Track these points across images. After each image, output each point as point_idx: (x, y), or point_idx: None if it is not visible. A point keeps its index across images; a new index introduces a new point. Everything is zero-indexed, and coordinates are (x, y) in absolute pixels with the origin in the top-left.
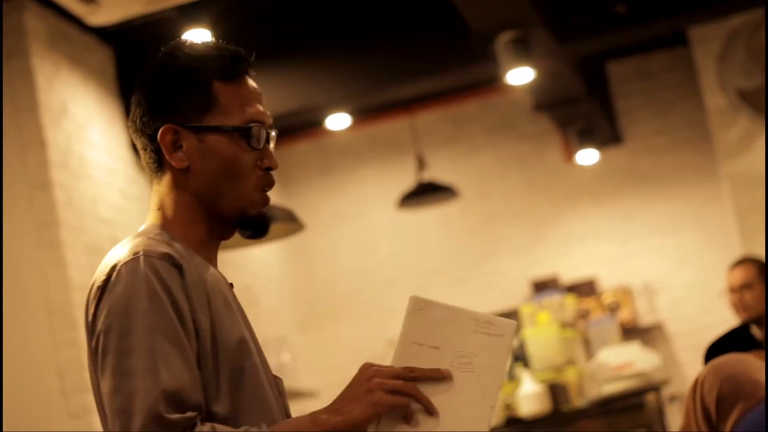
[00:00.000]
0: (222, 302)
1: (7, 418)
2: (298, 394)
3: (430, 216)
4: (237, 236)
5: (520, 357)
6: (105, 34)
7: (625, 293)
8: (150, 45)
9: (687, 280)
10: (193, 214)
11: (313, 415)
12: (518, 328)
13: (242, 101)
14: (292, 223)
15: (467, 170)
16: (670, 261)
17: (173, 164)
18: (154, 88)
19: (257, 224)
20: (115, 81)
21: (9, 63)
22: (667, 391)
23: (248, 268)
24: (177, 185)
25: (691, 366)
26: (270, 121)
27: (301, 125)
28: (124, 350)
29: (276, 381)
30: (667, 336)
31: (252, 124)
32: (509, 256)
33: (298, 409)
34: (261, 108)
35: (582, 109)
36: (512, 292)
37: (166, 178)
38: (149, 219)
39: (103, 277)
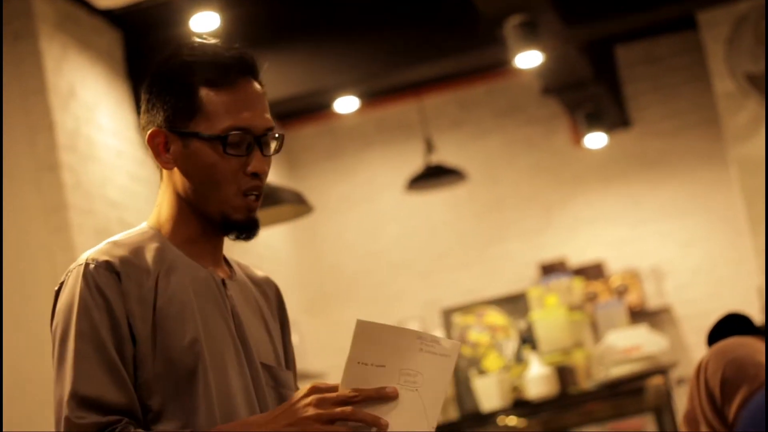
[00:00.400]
0: (179, 306)
1: (11, 401)
2: (307, 376)
3: (437, 199)
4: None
5: (528, 340)
6: (113, 17)
7: (633, 277)
8: (158, 28)
9: (694, 263)
10: (182, 213)
11: (243, 424)
12: (460, 348)
13: (228, 109)
14: (301, 205)
15: (475, 154)
16: (677, 245)
17: (161, 166)
18: (151, 92)
19: (240, 228)
20: (123, 64)
21: (17, 46)
22: (674, 374)
23: (255, 250)
24: (169, 185)
25: (698, 349)
26: (263, 126)
27: (309, 108)
28: (58, 358)
29: (270, 370)
30: (674, 319)
31: (231, 133)
32: (517, 239)
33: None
34: (250, 114)
35: (590, 92)
36: (520, 275)
37: (164, 178)
38: (151, 215)
39: (60, 282)
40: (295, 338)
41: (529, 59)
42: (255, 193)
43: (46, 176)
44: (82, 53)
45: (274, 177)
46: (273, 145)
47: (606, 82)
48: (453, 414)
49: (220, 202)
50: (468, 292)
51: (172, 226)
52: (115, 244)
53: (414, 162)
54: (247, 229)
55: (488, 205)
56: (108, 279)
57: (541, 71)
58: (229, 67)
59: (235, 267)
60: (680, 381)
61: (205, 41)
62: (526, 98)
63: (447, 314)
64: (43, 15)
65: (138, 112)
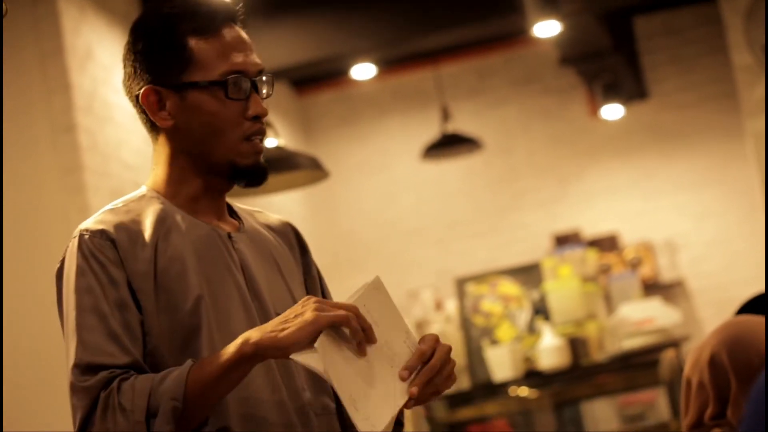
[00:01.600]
0: (180, 265)
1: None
2: None
3: (453, 168)
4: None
5: (541, 310)
6: None
7: (647, 249)
8: None
9: (709, 237)
10: (184, 171)
11: (243, 336)
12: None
13: (220, 54)
14: (317, 170)
15: (491, 123)
16: (692, 218)
17: (158, 124)
18: (134, 50)
19: (250, 174)
20: None
21: (35, 7)
22: (686, 348)
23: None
24: (168, 144)
25: (711, 323)
26: (257, 68)
27: (325, 74)
28: (64, 330)
29: None
30: (687, 292)
31: (230, 76)
32: (532, 209)
33: None
34: (244, 57)
35: (608, 63)
36: (534, 245)
37: (160, 139)
38: (149, 177)
39: (60, 260)
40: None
41: (547, 28)
42: (259, 136)
43: (62, 137)
44: (99, 15)
45: (289, 142)
46: (267, 87)
47: (624, 53)
48: (465, 383)
49: (226, 150)
50: (482, 262)
51: (172, 187)
52: (111, 211)
53: (430, 130)
54: (256, 174)
55: (503, 174)
56: (103, 246)
57: (559, 41)
58: (213, 14)
59: (245, 217)
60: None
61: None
62: (543, 68)
63: (460, 283)
64: None
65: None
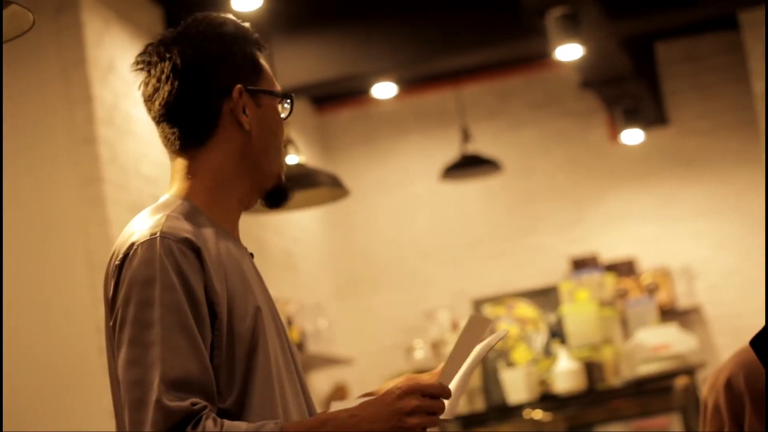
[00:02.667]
0: (237, 277)
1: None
2: (334, 361)
3: (471, 189)
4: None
5: (558, 334)
6: None
7: (664, 275)
8: (199, 6)
9: (726, 264)
10: (228, 182)
11: (330, 416)
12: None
13: (271, 74)
14: (337, 188)
15: (511, 145)
16: (710, 245)
17: (245, 126)
18: (208, 55)
19: (285, 193)
20: None
21: (59, 18)
22: (702, 375)
23: (287, 232)
24: (223, 151)
25: (727, 350)
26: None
27: (346, 93)
28: (136, 335)
29: (291, 348)
30: (704, 319)
31: (291, 94)
32: (549, 232)
33: (331, 375)
34: None
35: (629, 88)
36: (551, 268)
37: (212, 144)
38: (174, 188)
39: (121, 256)
40: (323, 323)
41: (569, 52)
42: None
43: (82, 149)
44: (123, 28)
45: (308, 159)
46: None
47: (645, 79)
48: (479, 405)
49: (279, 163)
50: (498, 284)
51: (211, 197)
52: (176, 217)
53: (449, 150)
54: (287, 195)
55: (522, 196)
56: (187, 256)
57: (581, 65)
58: (260, 36)
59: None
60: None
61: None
62: (564, 91)
63: (477, 305)
64: None
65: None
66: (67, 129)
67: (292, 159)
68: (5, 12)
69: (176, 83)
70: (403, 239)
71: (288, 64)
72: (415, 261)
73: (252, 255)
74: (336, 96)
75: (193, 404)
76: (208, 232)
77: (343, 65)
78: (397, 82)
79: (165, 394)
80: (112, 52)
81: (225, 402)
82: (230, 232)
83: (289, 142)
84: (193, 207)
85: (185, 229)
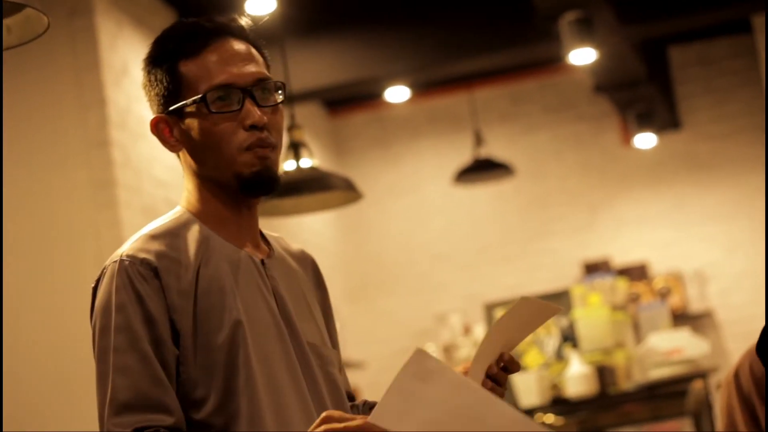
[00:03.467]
0: (216, 288)
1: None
2: (346, 365)
3: (484, 192)
4: (293, 203)
5: (570, 338)
6: None
7: (676, 279)
8: (213, 9)
9: (738, 268)
10: (206, 192)
11: None
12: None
13: (205, 72)
14: (350, 191)
15: (524, 149)
16: (722, 249)
17: (169, 151)
18: (144, 83)
19: (256, 183)
20: None
21: (72, 21)
22: (714, 379)
23: (300, 235)
24: (186, 168)
25: (739, 354)
26: (250, 78)
27: (360, 96)
28: (97, 358)
29: (315, 349)
30: (716, 324)
31: (210, 91)
32: (562, 236)
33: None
34: (233, 70)
35: (642, 92)
36: (563, 272)
37: (181, 162)
38: (181, 198)
39: (96, 279)
40: (336, 325)
41: (582, 56)
42: (261, 145)
43: (95, 152)
44: (136, 31)
45: (321, 163)
46: (274, 95)
47: (658, 83)
48: None
49: (227, 164)
50: (510, 287)
51: (203, 208)
52: (151, 236)
53: (462, 154)
54: (263, 183)
55: (534, 200)
56: (145, 276)
57: (594, 69)
58: (199, 33)
59: (273, 243)
60: (720, 386)
61: (179, 21)
62: (577, 95)
63: (489, 308)
64: None
65: None
66: (80, 132)
67: (305, 162)
68: (20, 15)
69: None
70: (416, 243)
71: (302, 68)
72: (427, 264)
73: (263, 262)
74: (349, 99)
75: (137, 428)
76: (192, 249)
77: (357, 69)
78: (411, 86)
79: (110, 421)
80: (126, 55)
81: (200, 413)
82: (239, 243)
83: (257, 128)
84: (189, 218)
85: (151, 249)
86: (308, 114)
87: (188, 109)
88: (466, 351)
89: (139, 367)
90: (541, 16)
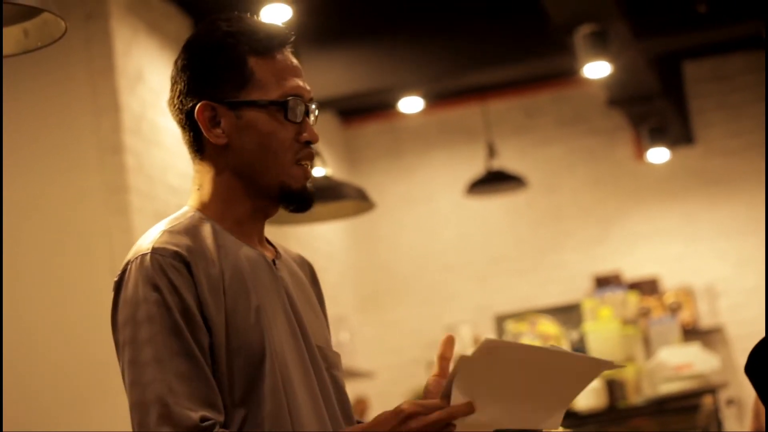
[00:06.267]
0: (242, 287)
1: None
2: (355, 375)
3: (496, 204)
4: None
5: (580, 350)
6: (184, 3)
7: (687, 294)
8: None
9: (749, 284)
10: (233, 192)
11: None
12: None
13: (279, 75)
14: (363, 201)
15: (536, 161)
16: (733, 264)
17: (212, 141)
18: (190, 66)
19: (299, 198)
20: None
21: (88, 26)
22: (724, 395)
23: (311, 244)
24: (217, 164)
25: None
26: (309, 95)
27: (373, 106)
28: (135, 355)
29: (321, 351)
30: (727, 339)
31: (289, 98)
32: (573, 249)
33: (352, 388)
34: (299, 82)
35: (656, 106)
36: (574, 285)
37: (206, 157)
38: (189, 199)
39: (119, 274)
40: (345, 335)
41: (597, 69)
42: (309, 161)
43: (109, 158)
44: (151, 37)
45: (334, 172)
46: (315, 115)
47: (672, 97)
48: None
49: (278, 172)
50: (521, 300)
51: (220, 207)
52: (172, 231)
53: (475, 166)
54: (305, 199)
55: (546, 213)
56: (178, 270)
57: (608, 82)
58: (273, 36)
59: (278, 247)
60: (730, 402)
61: (237, 14)
62: (590, 108)
63: (500, 320)
64: None
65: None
66: (94, 138)
67: (318, 171)
68: (38, 19)
69: (173, 90)
70: (427, 253)
71: (316, 77)
72: (438, 275)
73: (274, 262)
74: (363, 109)
75: (202, 419)
76: (210, 245)
77: (371, 79)
78: (424, 97)
79: (174, 407)
80: (141, 61)
81: (229, 413)
82: (252, 244)
83: (316, 153)
84: (202, 218)
85: (179, 243)
86: (322, 123)
87: (250, 110)
88: None
89: (190, 368)
90: (556, 29)
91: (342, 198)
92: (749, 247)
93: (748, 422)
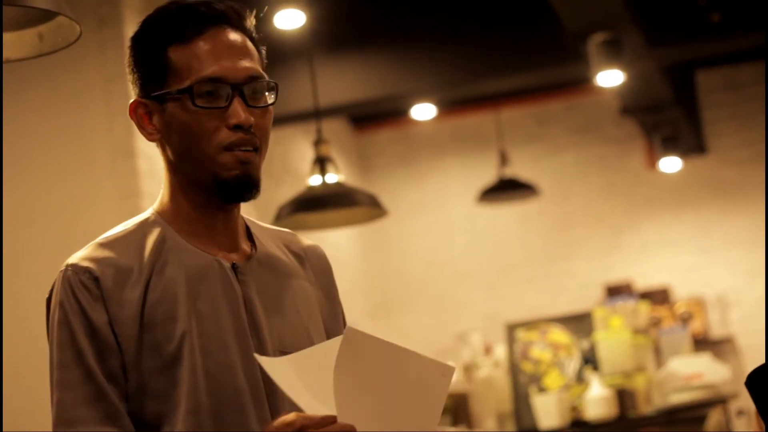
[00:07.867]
0: (170, 303)
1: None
2: None
3: (507, 212)
4: (318, 217)
5: (590, 360)
6: None
7: (698, 304)
8: None
9: (760, 294)
10: (178, 189)
11: None
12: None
13: (196, 61)
14: (375, 208)
15: (549, 169)
16: (744, 274)
17: (147, 139)
18: (127, 66)
19: (233, 186)
20: None
21: (102, 30)
22: (734, 405)
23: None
24: (164, 161)
25: None
26: (243, 74)
27: (385, 113)
28: (50, 368)
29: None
30: (737, 349)
31: (197, 83)
32: (584, 258)
33: None
34: (225, 63)
35: (668, 116)
36: (585, 294)
37: (163, 157)
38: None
39: (49, 290)
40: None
41: (610, 78)
42: (243, 147)
43: (121, 162)
44: None
45: (346, 178)
46: (266, 95)
47: (685, 107)
48: (510, 429)
49: (205, 162)
50: (532, 308)
51: (172, 208)
52: (101, 244)
53: (487, 173)
54: (241, 187)
55: (558, 221)
56: (87, 286)
57: (621, 91)
58: (194, 19)
59: (264, 241)
60: (740, 412)
61: (168, 4)
62: (603, 117)
63: (510, 329)
64: (131, 1)
65: None
66: (106, 141)
67: (331, 177)
68: (53, 23)
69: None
70: (438, 261)
71: (328, 84)
72: (449, 283)
73: (234, 266)
74: (375, 116)
75: None
76: (145, 258)
77: (383, 86)
78: (437, 104)
79: (60, 427)
80: None
81: (146, 416)
82: (207, 246)
83: (242, 129)
84: (155, 222)
85: (98, 258)
86: (334, 129)
87: (171, 98)
88: (487, 371)
89: (83, 381)
90: (569, 37)
91: (354, 204)
92: (761, 258)
93: (753, 424)
